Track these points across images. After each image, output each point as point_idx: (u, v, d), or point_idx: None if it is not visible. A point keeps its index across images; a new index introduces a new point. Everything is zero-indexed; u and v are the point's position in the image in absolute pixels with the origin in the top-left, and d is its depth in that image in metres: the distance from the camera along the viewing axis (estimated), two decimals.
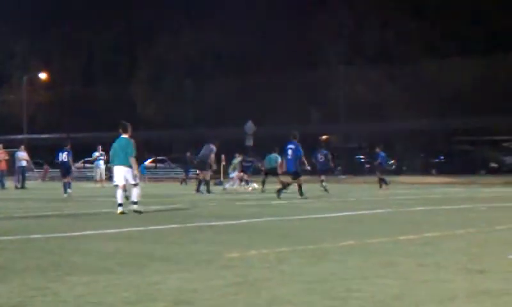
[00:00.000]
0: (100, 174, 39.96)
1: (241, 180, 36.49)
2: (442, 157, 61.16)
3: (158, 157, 69.32)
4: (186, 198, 25.61)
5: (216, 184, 36.75)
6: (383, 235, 11.30)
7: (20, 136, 68.11)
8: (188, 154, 48.22)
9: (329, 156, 34.71)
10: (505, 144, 61.24)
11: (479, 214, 16.85)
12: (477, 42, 63.41)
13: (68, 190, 27.46)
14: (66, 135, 52.45)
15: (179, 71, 75.42)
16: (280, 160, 34.51)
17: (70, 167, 28.68)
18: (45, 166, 59.62)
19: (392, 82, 64.70)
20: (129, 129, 17.65)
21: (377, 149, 37.25)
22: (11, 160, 38.98)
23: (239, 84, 71.04)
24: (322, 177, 31.92)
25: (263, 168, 34.94)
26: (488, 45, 62.51)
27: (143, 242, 10.56)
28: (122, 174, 17.19)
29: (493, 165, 58.08)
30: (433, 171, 58.91)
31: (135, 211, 16.78)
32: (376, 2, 67.69)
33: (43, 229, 12.84)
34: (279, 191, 25.48)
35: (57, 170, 33.10)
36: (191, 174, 47.75)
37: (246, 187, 36.07)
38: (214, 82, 72.63)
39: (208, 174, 30.61)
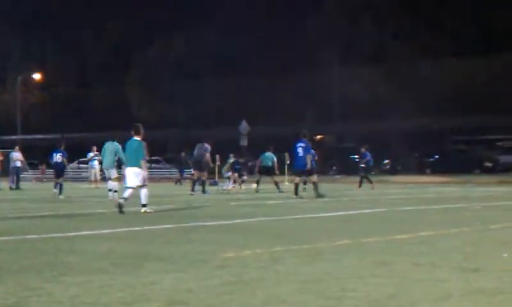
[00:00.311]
0: (95, 175, 39.89)
1: (235, 181, 36.54)
2: (437, 156, 61.14)
3: (153, 157, 69.26)
4: (181, 198, 25.60)
5: (210, 184, 36.74)
6: (377, 235, 11.31)
7: (14, 137, 68.02)
8: (183, 154, 48.22)
9: (316, 157, 34.70)
10: (499, 144, 61.26)
11: (474, 213, 16.87)
12: (472, 42, 63.50)
13: (54, 190, 27.36)
14: (60, 135, 52.35)
15: (173, 72, 75.37)
16: (275, 159, 34.61)
17: (63, 168, 28.64)
18: (42, 167, 59.55)
19: (387, 82, 64.70)
20: (141, 131, 17.77)
21: (363, 150, 37.30)
22: (6, 160, 38.95)
23: (234, 85, 71.11)
24: (314, 178, 31.89)
25: (258, 168, 34.97)
26: (484, 45, 62.63)
27: (137, 242, 10.56)
28: (134, 175, 17.28)
29: (488, 164, 58.08)
30: (428, 171, 58.90)
31: (145, 212, 16.87)
32: (371, 1, 67.78)
33: (38, 229, 12.83)
34: (296, 190, 25.51)
35: (52, 171, 33.00)
36: (185, 175, 47.75)
37: (239, 186, 36.23)
38: (208, 83, 72.67)
39: (205, 174, 30.65)
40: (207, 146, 30.31)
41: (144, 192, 17.22)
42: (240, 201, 24.22)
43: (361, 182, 36.03)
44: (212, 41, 72.46)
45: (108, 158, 24.30)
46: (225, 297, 6.06)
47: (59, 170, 28.19)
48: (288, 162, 43.37)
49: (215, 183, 38.94)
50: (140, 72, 79.62)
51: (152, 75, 77.68)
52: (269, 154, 34.22)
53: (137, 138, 17.58)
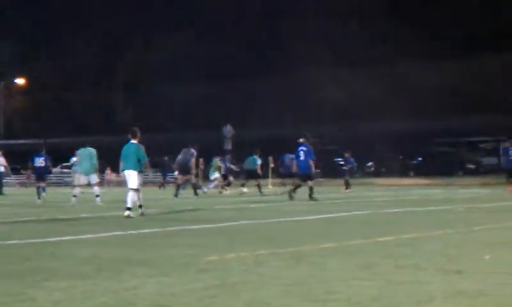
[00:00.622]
0: (78, 180, 39.68)
1: (223, 184, 36.73)
2: (420, 159, 61.43)
3: None
4: (164, 202, 25.57)
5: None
6: (361, 237, 11.32)
7: None
8: (166, 158, 48.14)
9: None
10: (482, 146, 61.65)
11: (457, 215, 16.94)
12: (453, 43, 63.78)
13: (43, 194, 27.38)
14: (43, 140, 52.14)
15: (157, 76, 75.28)
16: (259, 162, 34.76)
17: (46, 172, 28.63)
18: (27, 172, 59.34)
19: (369, 84, 64.91)
20: (138, 134, 17.97)
21: (346, 155, 38.01)
22: None
23: (216, 88, 71.10)
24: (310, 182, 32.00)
25: (239, 170, 35.16)
26: (465, 47, 62.92)
27: (120, 247, 10.52)
28: (133, 178, 17.46)
29: (471, 166, 58.42)
30: (411, 173, 59.19)
31: (129, 216, 16.84)
32: (351, 4, 67.95)
33: (20, 234, 12.76)
34: (294, 191, 25.59)
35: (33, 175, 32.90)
36: (168, 179, 47.68)
37: (224, 189, 36.34)
38: (192, 87, 72.62)
39: (192, 177, 30.69)
40: (193, 151, 30.37)
41: (132, 196, 17.23)
42: (225, 204, 24.21)
43: (347, 185, 36.71)
44: (196, 45, 72.46)
45: (86, 164, 24.36)
46: (209, 301, 6.05)
47: (42, 174, 28.20)
48: (272, 165, 43.48)
49: (199, 187, 38.94)
50: (123, 76, 79.48)
51: (135, 79, 77.56)
52: (253, 158, 34.38)
53: (134, 141, 17.82)
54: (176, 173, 34.33)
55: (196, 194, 29.64)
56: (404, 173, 59.68)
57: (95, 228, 14.11)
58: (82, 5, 79.29)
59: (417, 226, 13.70)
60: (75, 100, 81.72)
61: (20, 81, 78.20)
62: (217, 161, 37.46)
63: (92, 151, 24.32)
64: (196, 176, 33.83)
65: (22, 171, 61.20)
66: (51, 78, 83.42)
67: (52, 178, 44.46)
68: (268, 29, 70.65)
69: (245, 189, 34.67)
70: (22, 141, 73.67)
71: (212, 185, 36.94)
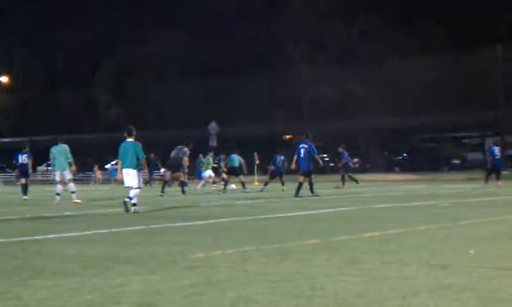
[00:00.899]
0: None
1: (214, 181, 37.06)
2: (405, 155, 61.64)
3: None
4: (150, 200, 25.54)
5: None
6: (346, 233, 11.35)
7: None
8: (152, 155, 48.07)
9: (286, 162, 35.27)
10: (467, 141, 61.92)
11: (442, 210, 17.00)
12: (440, 40, 63.99)
13: (24, 196, 27.43)
14: (28, 138, 51.93)
15: (142, 73, 75.13)
16: (241, 160, 34.91)
17: (28, 170, 28.63)
18: (16, 170, 59.13)
19: (355, 81, 65.03)
20: (134, 132, 18.22)
21: (340, 149, 37.87)
22: None
23: (203, 86, 71.03)
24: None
25: (225, 168, 35.23)
26: (451, 44, 63.16)
27: (106, 245, 10.50)
28: (130, 176, 17.72)
29: (456, 161, 58.67)
30: (396, 169, 59.37)
31: (135, 211, 17.45)
32: (340, 1, 68.05)
33: (5, 233, 12.72)
34: (297, 190, 25.76)
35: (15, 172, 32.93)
36: (154, 176, 47.61)
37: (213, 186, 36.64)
38: (178, 84, 72.52)
39: (181, 175, 30.70)
40: (186, 149, 30.43)
41: (137, 193, 17.83)
42: (210, 201, 24.23)
43: (343, 180, 36.72)
44: (183, 42, 72.34)
45: (60, 160, 24.35)
46: (195, 298, 6.06)
47: (25, 171, 28.21)
48: (257, 162, 43.52)
49: (185, 184, 38.94)
50: (108, 74, 79.25)
51: (120, 77, 77.34)
52: (234, 156, 34.59)
53: (130, 140, 18.01)
54: (162, 170, 34.40)
55: (183, 192, 29.63)
56: (389, 168, 59.83)
57: (79, 225, 14.10)
58: (69, 2, 78.96)
59: (402, 221, 13.75)
60: (60, 97, 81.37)
61: (4, 79, 77.82)
62: (209, 158, 37.61)
63: (66, 147, 24.35)
64: (185, 174, 33.86)
65: (7, 169, 60.96)
66: (35, 77, 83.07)
67: (37, 175, 44.28)
68: (255, 27, 70.59)
69: (233, 185, 34.84)
70: (6, 140, 73.40)
71: (199, 184, 37.13)
